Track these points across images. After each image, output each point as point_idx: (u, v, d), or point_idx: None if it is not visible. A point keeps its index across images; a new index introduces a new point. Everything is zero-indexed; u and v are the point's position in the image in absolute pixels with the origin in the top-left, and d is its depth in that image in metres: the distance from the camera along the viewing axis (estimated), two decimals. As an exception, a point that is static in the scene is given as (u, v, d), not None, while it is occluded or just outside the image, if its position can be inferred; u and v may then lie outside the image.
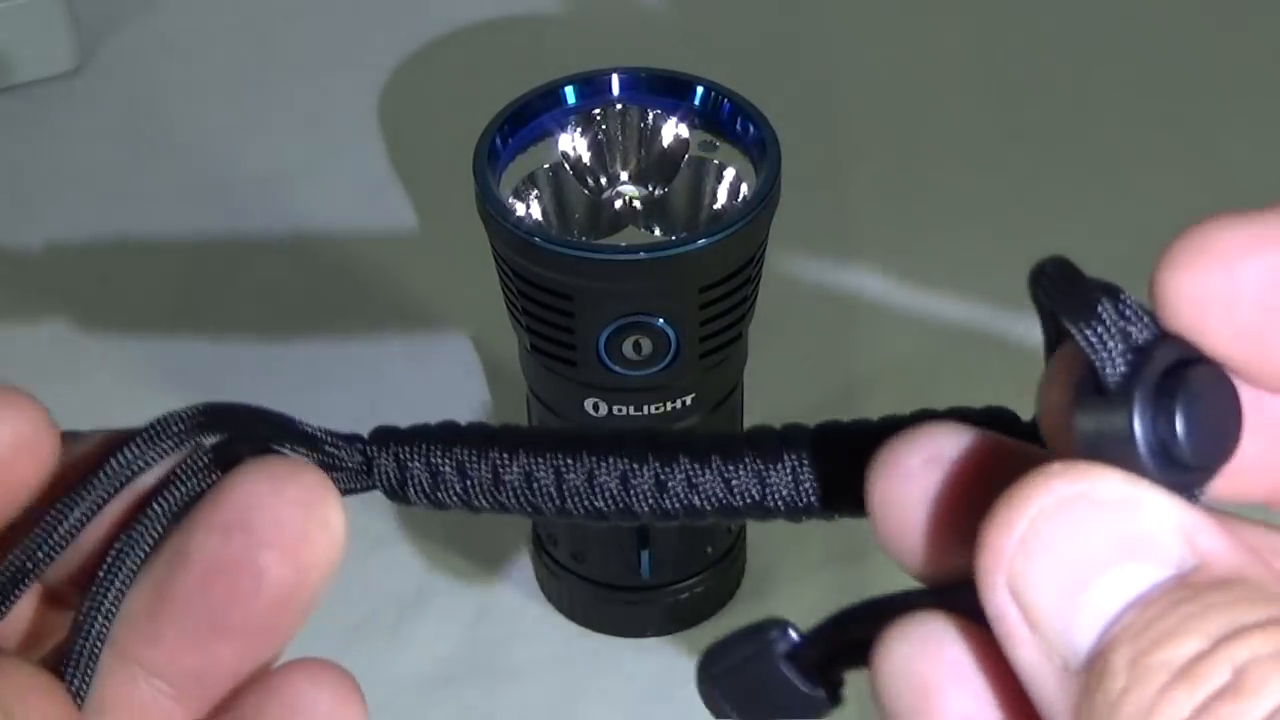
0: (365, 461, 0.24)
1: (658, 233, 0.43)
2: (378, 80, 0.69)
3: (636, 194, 0.44)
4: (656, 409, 0.42)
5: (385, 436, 0.24)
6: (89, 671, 0.21)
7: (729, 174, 0.43)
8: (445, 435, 0.24)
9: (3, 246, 0.62)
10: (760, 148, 0.42)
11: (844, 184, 0.64)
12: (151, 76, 0.70)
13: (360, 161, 0.65)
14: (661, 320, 0.40)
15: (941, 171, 0.65)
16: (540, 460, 0.23)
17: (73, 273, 0.61)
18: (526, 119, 0.43)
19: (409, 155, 0.66)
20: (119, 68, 0.70)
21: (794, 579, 0.51)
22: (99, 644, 0.21)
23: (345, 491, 0.23)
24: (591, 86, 0.43)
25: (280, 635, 0.21)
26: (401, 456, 0.24)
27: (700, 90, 0.43)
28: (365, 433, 0.24)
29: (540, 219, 0.43)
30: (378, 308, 0.59)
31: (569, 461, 0.23)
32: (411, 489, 0.24)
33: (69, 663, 0.21)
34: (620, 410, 0.42)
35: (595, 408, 0.42)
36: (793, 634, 0.23)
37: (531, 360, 0.43)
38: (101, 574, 0.21)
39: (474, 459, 0.24)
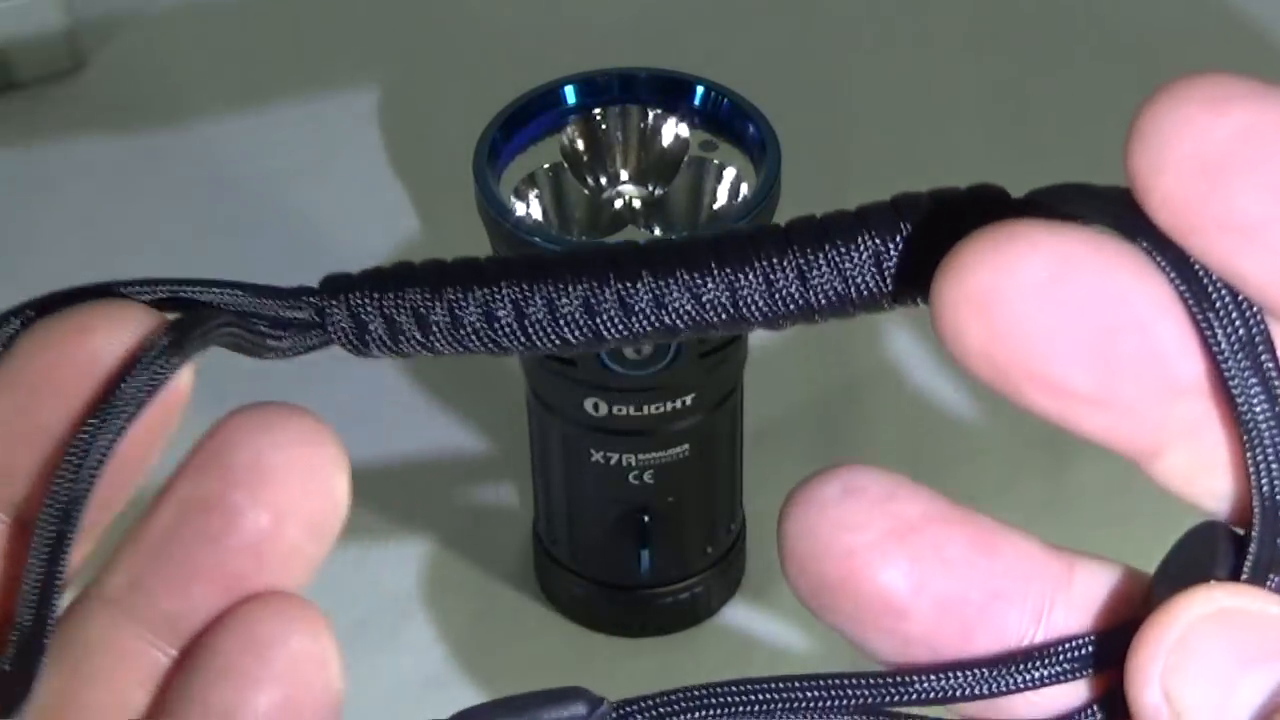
0: (318, 314, 0.24)
1: (658, 233, 0.43)
2: (378, 80, 0.69)
3: (636, 194, 0.44)
4: (656, 409, 0.42)
5: (336, 286, 0.24)
6: (46, 605, 0.19)
7: (729, 174, 0.43)
8: (398, 278, 0.23)
9: (2, 246, 0.62)
10: (760, 148, 0.42)
11: (844, 184, 0.64)
12: (151, 76, 0.70)
13: (360, 161, 0.65)
14: (661, 320, 0.40)
15: (942, 172, 0.64)
16: (498, 293, 0.22)
17: (73, 273, 0.61)
18: (526, 119, 0.43)
19: (409, 155, 0.66)
20: (119, 68, 0.70)
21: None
22: (57, 572, 0.20)
23: (305, 349, 0.23)
24: (591, 86, 0.43)
25: (260, 583, 0.21)
26: (354, 305, 0.23)
27: (700, 90, 0.43)
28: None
29: (540, 219, 0.43)
30: (378, 308, 0.59)
31: (528, 292, 0.22)
32: (371, 341, 0.23)
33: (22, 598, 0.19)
34: (620, 410, 0.42)
35: (595, 408, 0.42)
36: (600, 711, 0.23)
37: (531, 360, 0.43)
38: (54, 489, 0.20)
39: (428, 301, 0.23)
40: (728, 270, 0.23)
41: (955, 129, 0.66)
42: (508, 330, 0.23)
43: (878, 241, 0.22)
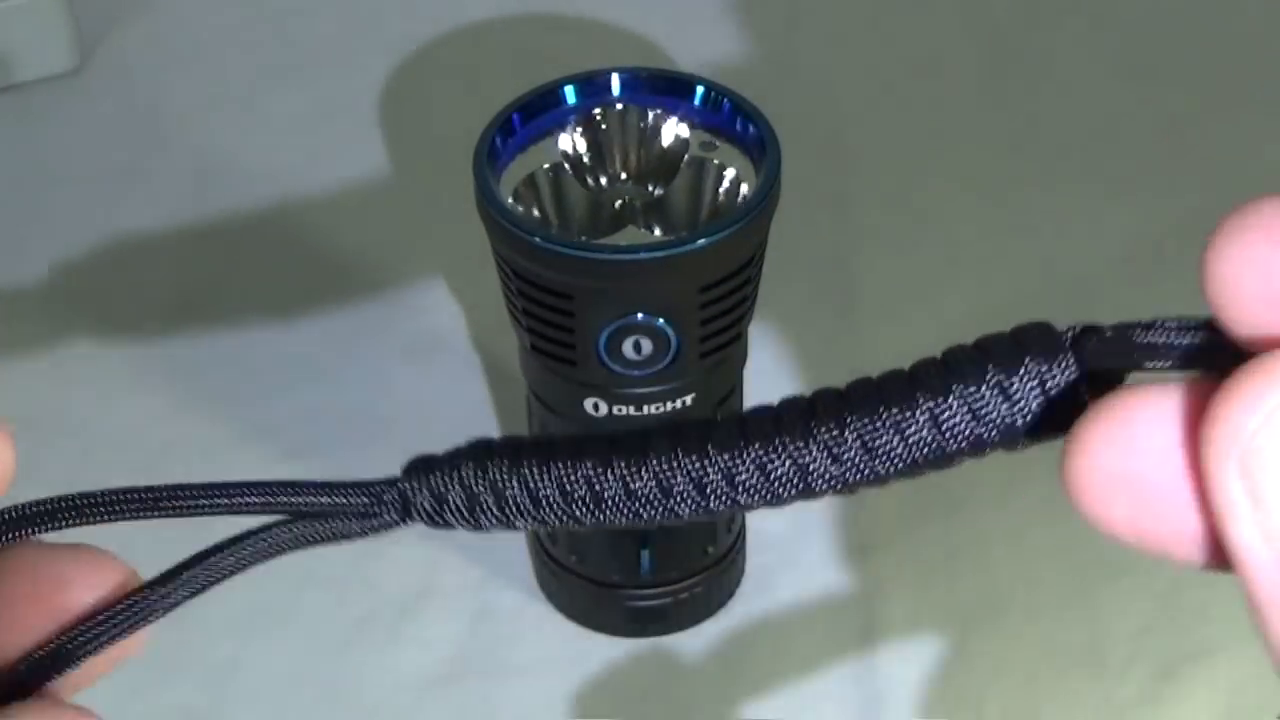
0: (402, 504, 0.24)
1: (658, 233, 0.43)
2: (378, 80, 0.69)
3: (636, 194, 0.44)
4: (656, 409, 0.42)
5: (419, 470, 0.24)
6: None
7: (729, 174, 0.43)
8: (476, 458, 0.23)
9: (2, 246, 0.62)
10: (760, 148, 0.42)
11: (844, 184, 0.64)
12: (151, 76, 0.70)
13: (360, 161, 0.65)
14: (661, 320, 0.40)
15: (942, 171, 0.65)
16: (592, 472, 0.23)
17: (73, 272, 0.61)
18: (526, 119, 0.43)
19: (409, 155, 0.66)
20: (119, 68, 0.70)
21: (794, 579, 0.51)
22: None
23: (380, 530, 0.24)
24: (591, 86, 0.43)
25: None
26: (438, 488, 0.24)
27: (700, 90, 0.43)
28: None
29: (540, 219, 0.43)
30: (377, 308, 0.59)
31: (628, 469, 0.23)
32: (452, 517, 0.24)
33: None
34: (620, 410, 0.42)
35: (595, 408, 0.42)
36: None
37: (531, 360, 0.43)
38: None
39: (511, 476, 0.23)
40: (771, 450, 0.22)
41: (955, 129, 0.66)
42: (596, 506, 0.23)
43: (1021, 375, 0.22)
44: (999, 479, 0.53)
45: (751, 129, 0.42)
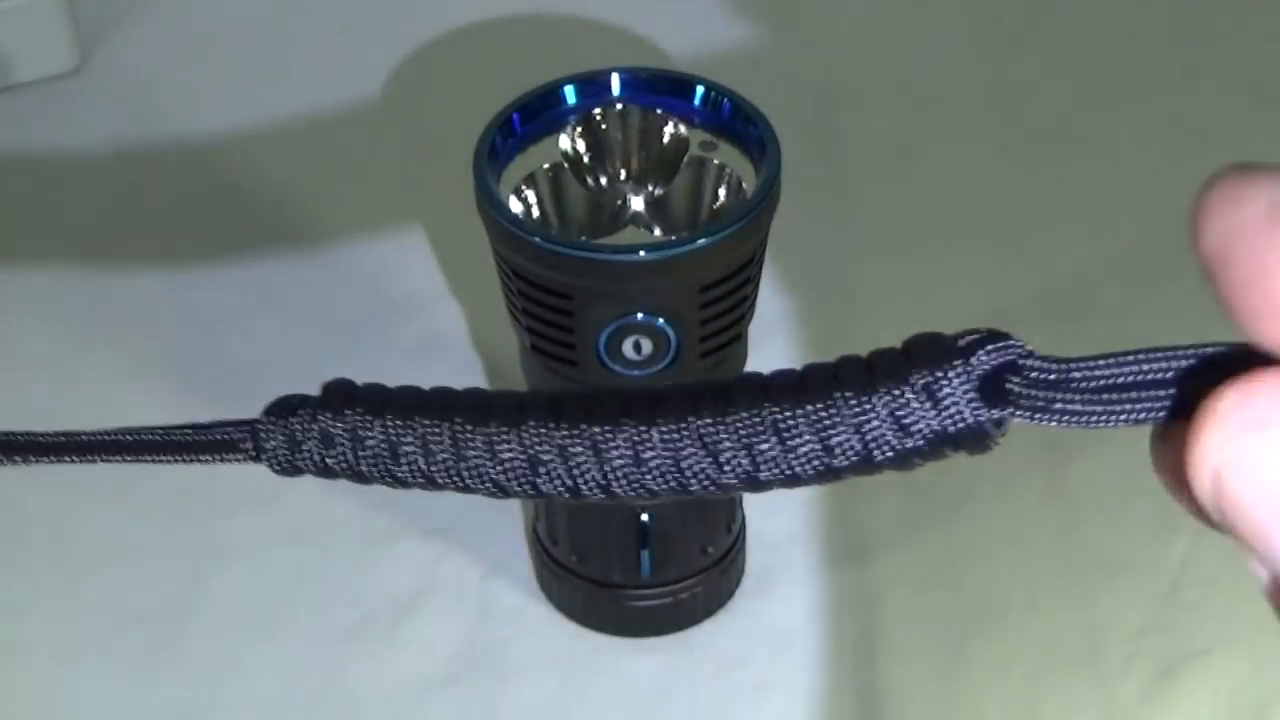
0: (255, 444, 0.24)
1: (658, 233, 0.43)
2: (378, 80, 0.69)
3: (636, 194, 0.44)
4: (656, 409, 0.42)
5: (277, 411, 0.24)
6: None
7: (729, 174, 0.43)
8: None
9: (2, 246, 0.62)
10: (760, 148, 0.42)
11: (844, 183, 0.64)
12: (151, 76, 0.70)
13: (360, 161, 0.65)
14: (661, 320, 0.40)
15: (942, 171, 0.65)
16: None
17: (73, 273, 0.61)
18: (526, 119, 0.43)
19: (409, 155, 0.66)
20: (119, 68, 0.70)
21: (794, 579, 0.51)
22: None
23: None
24: (591, 86, 0.43)
25: None
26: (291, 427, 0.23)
27: (700, 90, 0.43)
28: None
29: (540, 219, 0.43)
30: (377, 308, 0.59)
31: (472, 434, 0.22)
32: (304, 463, 0.23)
33: None
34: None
35: (595, 408, 0.42)
36: None
37: (531, 360, 0.43)
38: None
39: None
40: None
41: (956, 129, 0.66)
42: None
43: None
44: (999, 479, 0.53)
45: (751, 129, 0.42)
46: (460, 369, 0.57)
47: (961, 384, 0.21)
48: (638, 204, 0.44)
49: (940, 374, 0.21)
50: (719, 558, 0.48)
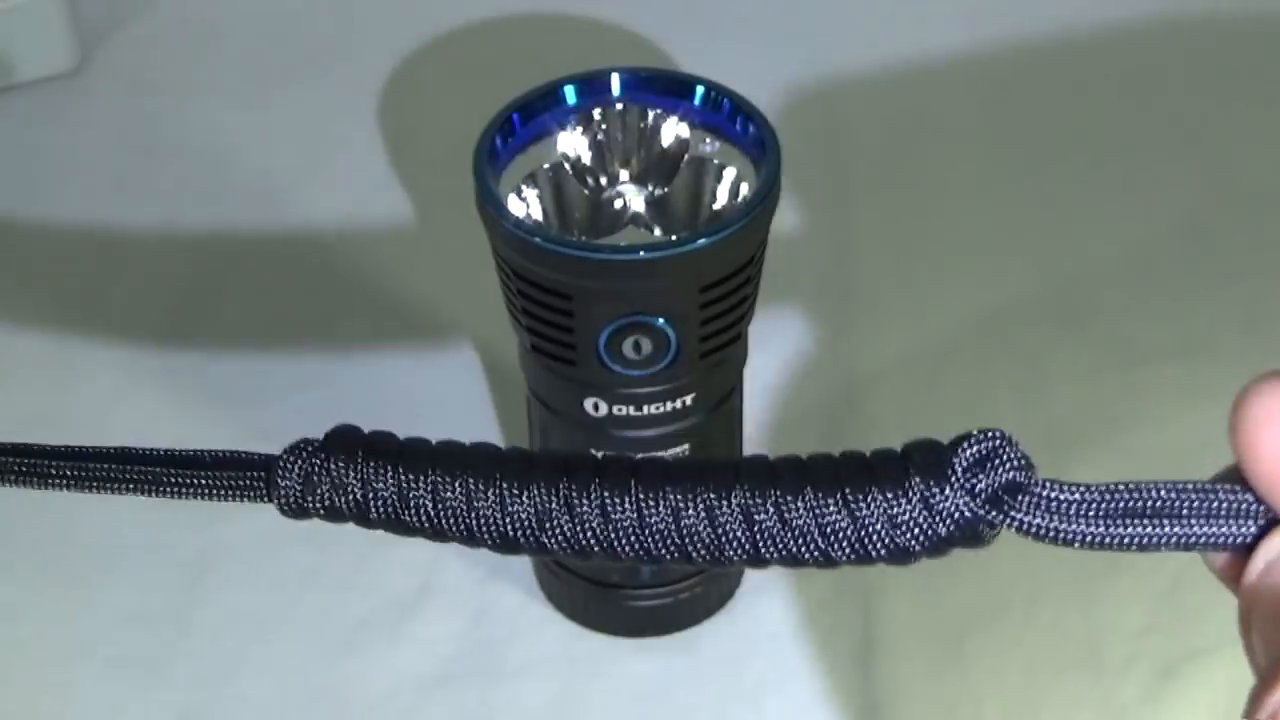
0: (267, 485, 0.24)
1: (658, 233, 0.43)
2: (378, 80, 0.69)
3: (636, 194, 0.44)
4: (656, 409, 0.42)
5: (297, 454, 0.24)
6: None
7: (729, 174, 0.43)
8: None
9: (2, 246, 0.62)
10: (760, 148, 0.42)
11: (844, 183, 0.64)
12: (151, 76, 0.70)
13: (360, 161, 0.65)
14: (661, 320, 0.40)
15: (942, 171, 0.65)
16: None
17: (73, 273, 0.61)
18: (526, 119, 0.43)
19: (409, 155, 0.66)
20: (119, 68, 0.70)
21: (794, 579, 0.50)
22: None
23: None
24: (591, 86, 0.43)
25: None
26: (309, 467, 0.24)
27: (700, 90, 0.43)
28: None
29: (540, 219, 0.43)
30: (377, 308, 0.59)
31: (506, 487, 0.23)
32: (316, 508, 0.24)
33: None
34: (620, 410, 0.42)
35: (595, 407, 0.42)
36: None
37: (531, 360, 0.43)
38: None
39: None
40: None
41: (956, 129, 0.66)
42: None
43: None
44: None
45: (751, 129, 0.42)
46: (460, 369, 0.57)
47: (960, 497, 0.22)
48: (638, 204, 0.44)
49: (937, 488, 0.22)
50: (719, 558, 0.48)
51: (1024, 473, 0.22)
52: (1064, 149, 0.65)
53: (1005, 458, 0.22)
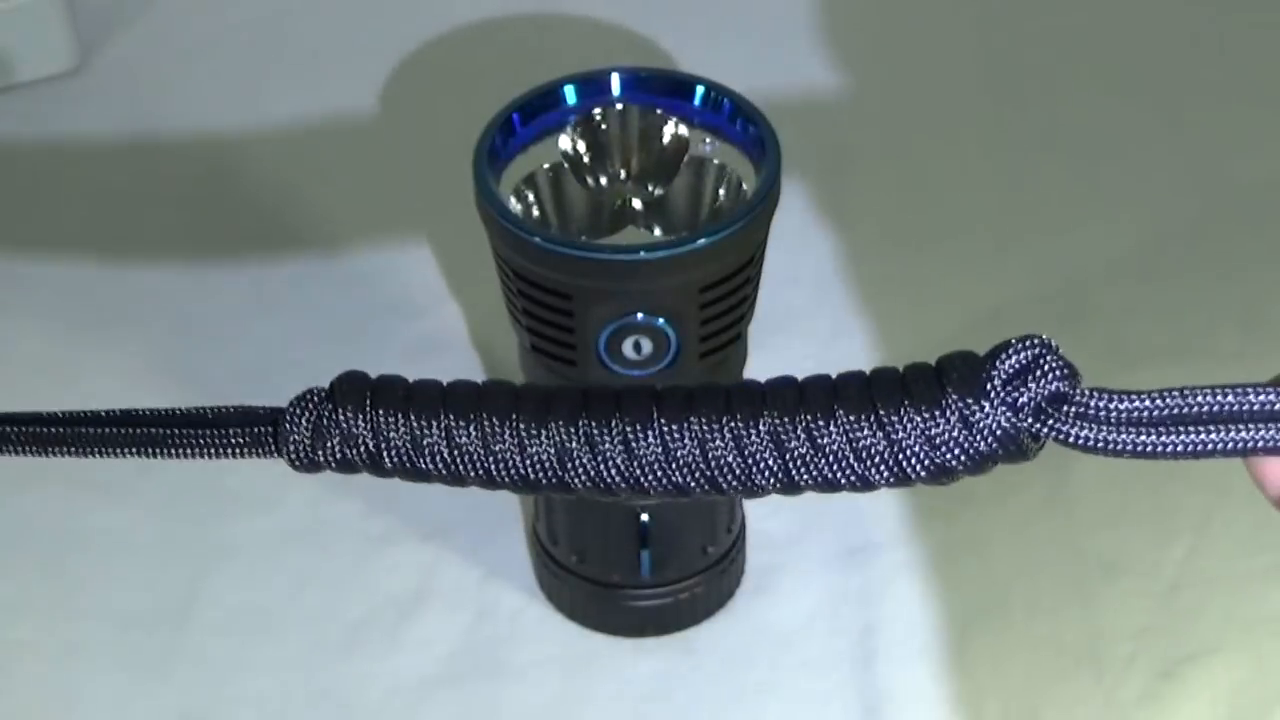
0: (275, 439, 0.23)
1: (658, 233, 0.43)
2: (378, 80, 0.69)
3: (636, 194, 0.44)
4: (656, 409, 0.42)
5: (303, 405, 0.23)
6: None
7: (729, 174, 0.43)
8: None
9: (2, 246, 0.62)
10: (760, 148, 0.42)
11: (844, 183, 0.64)
12: (151, 76, 0.70)
13: (360, 161, 0.65)
14: (661, 320, 0.40)
15: (942, 172, 0.65)
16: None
17: (73, 272, 0.61)
18: (526, 119, 0.43)
19: (409, 155, 0.66)
20: (119, 68, 0.70)
21: (794, 579, 0.51)
22: None
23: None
24: (591, 86, 0.43)
25: None
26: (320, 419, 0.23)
27: (700, 90, 0.43)
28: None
29: (540, 219, 0.43)
30: (377, 308, 0.59)
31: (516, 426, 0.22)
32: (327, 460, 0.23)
33: None
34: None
35: (595, 408, 0.42)
36: None
37: (531, 360, 0.43)
38: None
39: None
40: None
41: (955, 129, 0.66)
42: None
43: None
44: (999, 479, 0.52)
45: (751, 129, 0.42)
46: (460, 369, 0.57)
47: (1000, 412, 0.21)
48: (638, 204, 0.44)
49: (976, 403, 0.21)
50: (719, 558, 0.48)
51: (1068, 382, 0.21)
52: (1065, 149, 0.65)
53: (1047, 367, 0.21)
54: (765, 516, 0.51)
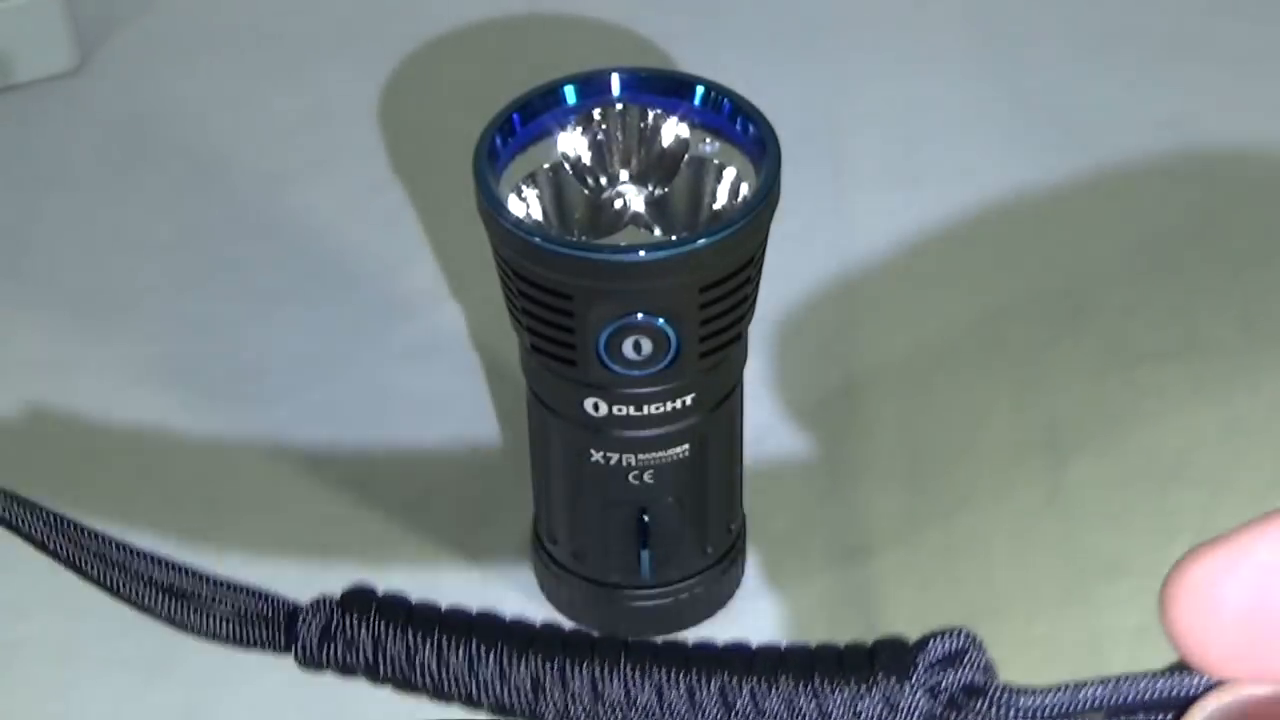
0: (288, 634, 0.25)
1: (658, 233, 0.43)
2: (378, 80, 0.69)
3: (636, 194, 0.44)
4: (656, 409, 0.42)
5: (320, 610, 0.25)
6: None
7: (729, 174, 0.43)
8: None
9: (2, 246, 0.62)
10: (760, 148, 0.42)
11: (844, 183, 0.64)
12: (151, 76, 0.70)
13: (360, 161, 0.65)
14: (661, 320, 0.40)
15: (942, 172, 0.64)
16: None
17: (73, 272, 0.61)
18: (526, 119, 0.43)
19: (409, 155, 0.66)
20: (119, 68, 0.70)
21: (794, 579, 0.50)
22: None
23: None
24: (591, 86, 0.43)
25: None
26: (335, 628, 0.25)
27: (700, 90, 0.43)
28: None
29: (540, 219, 0.43)
30: (377, 308, 0.59)
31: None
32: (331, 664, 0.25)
33: None
34: (620, 410, 0.42)
35: (595, 408, 0.42)
36: None
37: (531, 360, 0.43)
38: None
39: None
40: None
41: (955, 129, 0.66)
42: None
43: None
44: (999, 479, 0.53)
45: (751, 129, 0.42)
46: (460, 369, 0.57)
47: (919, 696, 0.23)
48: (638, 204, 0.44)
49: (899, 684, 0.23)
50: (719, 558, 0.48)
51: (984, 675, 0.23)
52: (1065, 148, 0.65)
53: (968, 659, 0.23)
54: (765, 516, 0.51)
